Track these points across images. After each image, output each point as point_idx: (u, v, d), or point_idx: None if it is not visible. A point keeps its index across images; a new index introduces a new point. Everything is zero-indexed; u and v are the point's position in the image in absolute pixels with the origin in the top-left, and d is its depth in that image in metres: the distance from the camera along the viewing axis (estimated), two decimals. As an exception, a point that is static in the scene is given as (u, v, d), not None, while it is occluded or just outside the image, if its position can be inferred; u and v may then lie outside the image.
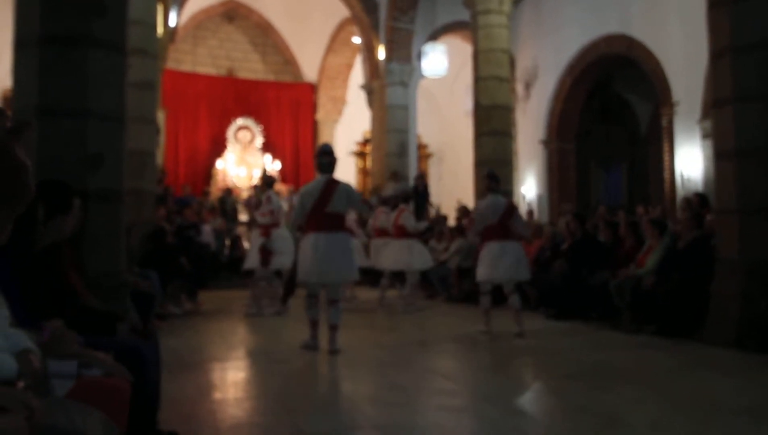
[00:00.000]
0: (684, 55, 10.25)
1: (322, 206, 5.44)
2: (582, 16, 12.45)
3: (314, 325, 5.52)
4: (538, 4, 13.51)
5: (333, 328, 5.44)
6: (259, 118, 17.86)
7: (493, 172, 6.89)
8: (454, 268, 9.73)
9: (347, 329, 6.68)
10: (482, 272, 6.37)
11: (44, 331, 1.93)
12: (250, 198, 9.41)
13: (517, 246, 6.43)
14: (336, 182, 5.58)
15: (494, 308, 6.52)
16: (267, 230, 7.94)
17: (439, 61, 14.67)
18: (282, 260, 7.98)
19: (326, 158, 5.63)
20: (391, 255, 8.58)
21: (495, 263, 6.24)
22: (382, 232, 9.02)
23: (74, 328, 2.05)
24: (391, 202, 9.11)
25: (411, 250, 8.50)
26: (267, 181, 8.51)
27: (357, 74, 17.03)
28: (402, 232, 8.50)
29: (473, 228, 6.74)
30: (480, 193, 10.95)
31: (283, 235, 8.07)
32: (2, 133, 0.98)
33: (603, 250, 7.82)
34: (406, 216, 8.56)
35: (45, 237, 2.55)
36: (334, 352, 5.36)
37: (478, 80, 10.68)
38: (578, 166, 13.80)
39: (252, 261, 8.11)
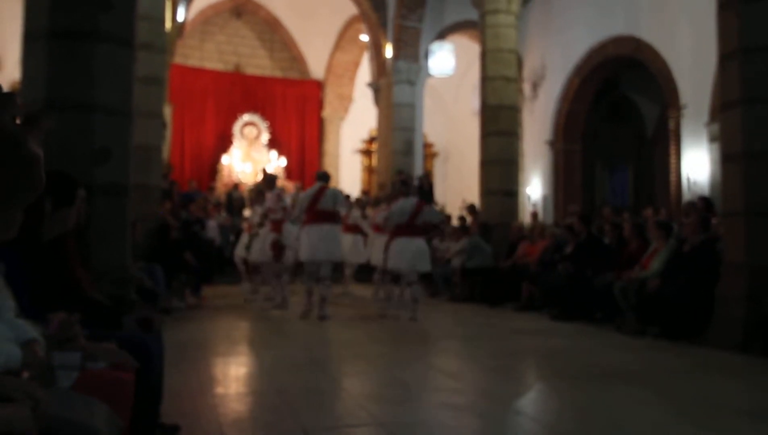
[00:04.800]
0: (692, 58, 10.20)
1: (315, 204, 7.30)
2: (590, 17, 12.40)
3: (309, 293, 7.31)
4: (546, 4, 13.46)
5: (323, 299, 7.13)
6: (265, 114, 17.88)
7: (407, 178, 8.43)
8: (458, 267, 9.72)
9: (349, 326, 6.70)
10: (391, 262, 7.43)
11: (51, 324, 1.94)
12: (250, 196, 9.53)
13: (422, 241, 7.49)
14: (326, 187, 7.42)
15: (493, 308, 6.77)
16: (278, 226, 8.02)
17: (447, 60, 14.65)
18: (290, 254, 8.13)
19: (322, 172, 7.79)
20: (377, 252, 8.62)
21: (401, 255, 7.29)
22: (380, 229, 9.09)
23: (79, 320, 2.06)
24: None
25: None
26: (269, 180, 8.60)
27: (364, 72, 17.02)
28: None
29: (386, 225, 7.77)
30: (482, 192, 10.97)
31: (290, 231, 8.16)
32: (10, 122, 0.96)
33: (608, 251, 7.80)
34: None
35: (51, 229, 2.55)
36: (322, 317, 6.98)
37: (486, 80, 10.67)
38: (584, 167, 13.75)
39: (262, 254, 8.23)
